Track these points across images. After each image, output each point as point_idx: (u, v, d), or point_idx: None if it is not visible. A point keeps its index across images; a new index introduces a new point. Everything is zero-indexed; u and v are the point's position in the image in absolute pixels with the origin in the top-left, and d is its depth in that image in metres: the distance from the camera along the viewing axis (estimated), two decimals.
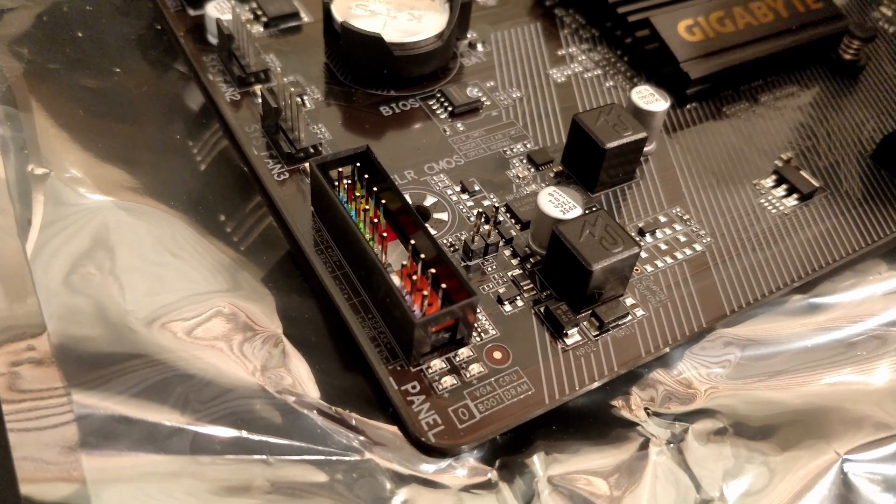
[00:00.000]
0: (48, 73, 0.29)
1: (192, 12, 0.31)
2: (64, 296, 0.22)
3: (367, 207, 0.23)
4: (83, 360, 0.21)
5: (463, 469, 0.21)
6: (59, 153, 0.26)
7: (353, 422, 0.21)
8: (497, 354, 0.22)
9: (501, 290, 0.24)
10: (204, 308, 0.23)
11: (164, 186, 0.26)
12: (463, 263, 0.25)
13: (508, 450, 0.22)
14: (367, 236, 0.23)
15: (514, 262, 0.25)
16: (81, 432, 0.20)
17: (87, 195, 0.25)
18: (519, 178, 0.27)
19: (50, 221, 0.24)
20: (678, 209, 0.27)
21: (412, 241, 0.22)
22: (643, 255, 0.25)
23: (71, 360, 0.21)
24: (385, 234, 0.22)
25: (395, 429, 0.21)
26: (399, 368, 0.22)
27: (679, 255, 0.26)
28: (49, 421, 0.20)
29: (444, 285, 0.21)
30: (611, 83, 0.32)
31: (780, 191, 0.28)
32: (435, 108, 0.29)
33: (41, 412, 0.20)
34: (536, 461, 0.21)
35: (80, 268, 0.23)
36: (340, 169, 0.24)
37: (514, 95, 0.31)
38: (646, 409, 0.23)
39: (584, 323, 0.23)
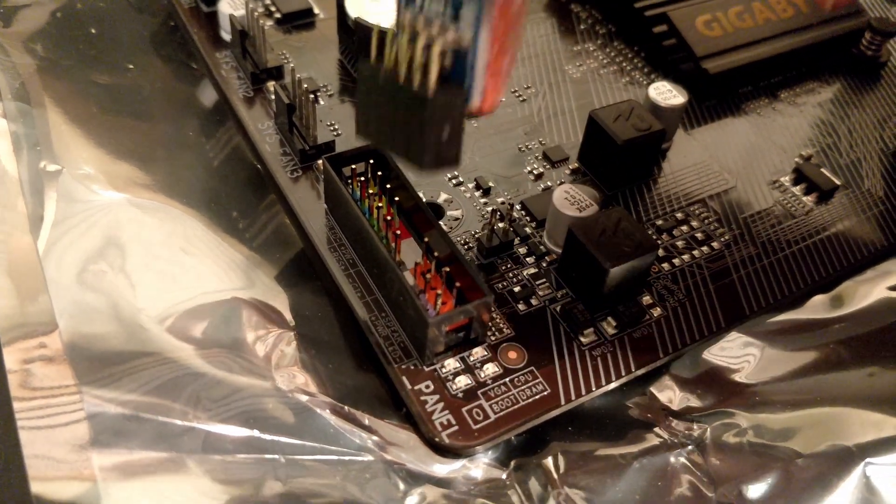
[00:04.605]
0: (62, 69, 0.29)
1: (205, 9, 0.31)
2: (75, 293, 0.22)
3: (380, 205, 0.23)
4: (94, 358, 0.21)
5: (477, 470, 0.21)
6: (72, 150, 0.26)
7: (366, 421, 0.21)
8: (512, 354, 0.22)
9: (516, 289, 0.24)
10: (216, 306, 0.23)
11: (177, 183, 0.26)
12: (477, 262, 0.24)
13: (523, 450, 0.21)
14: (381, 234, 0.22)
15: (530, 260, 0.24)
16: (92, 430, 0.20)
17: (99, 192, 0.25)
18: (534, 175, 0.27)
19: (62, 218, 0.24)
20: (696, 207, 0.27)
21: (426, 239, 0.22)
22: (660, 252, 0.25)
23: (82, 358, 0.21)
24: (398, 232, 0.22)
25: (408, 429, 0.21)
26: (412, 368, 0.21)
27: (697, 254, 0.25)
28: (60, 419, 0.20)
29: (458, 284, 0.21)
30: (627, 79, 0.31)
31: (801, 189, 0.28)
32: None
33: (52, 410, 0.20)
34: (551, 462, 0.21)
35: (92, 265, 0.23)
36: (354, 166, 0.24)
37: (530, 91, 0.30)
38: (663, 409, 0.23)
39: (601, 322, 0.23)
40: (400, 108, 0.19)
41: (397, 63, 0.18)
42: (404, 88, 0.18)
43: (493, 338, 0.22)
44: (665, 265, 0.25)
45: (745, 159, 0.29)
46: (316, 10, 0.32)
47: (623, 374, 0.22)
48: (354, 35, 0.29)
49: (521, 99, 0.30)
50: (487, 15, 0.17)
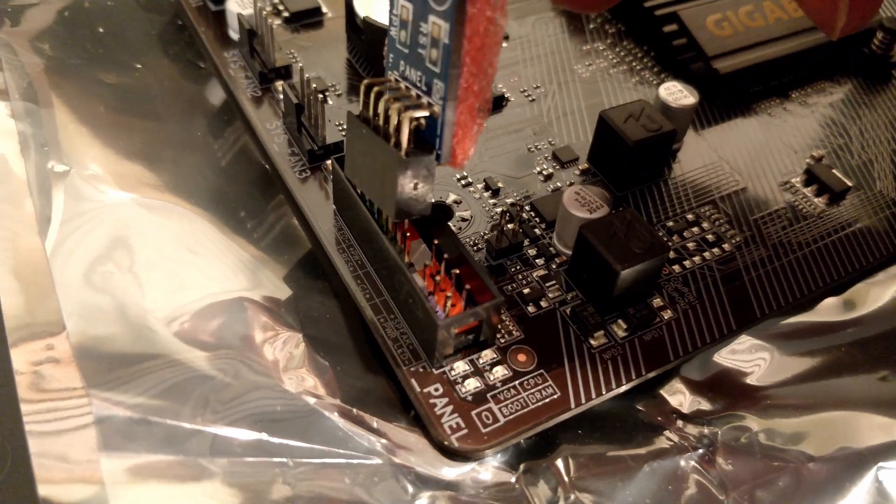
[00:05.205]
0: (69, 68, 0.29)
1: (213, 7, 0.31)
2: (83, 294, 0.22)
3: None
4: (102, 360, 0.21)
5: (486, 473, 0.21)
6: (80, 150, 0.26)
7: (375, 424, 0.21)
8: (521, 357, 0.22)
9: (526, 291, 0.23)
10: (224, 307, 0.23)
11: (185, 183, 0.26)
12: (486, 263, 0.24)
13: (532, 453, 0.21)
14: (390, 235, 0.22)
15: (539, 262, 0.24)
16: (101, 433, 0.20)
17: (107, 192, 0.25)
18: (543, 175, 0.27)
19: (70, 219, 0.24)
20: (707, 208, 0.27)
21: (435, 241, 0.22)
22: (671, 254, 0.25)
23: (90, 360, 0.21)
24: (408, 233, 0.22)
25: (417, 432, 0.21)
26: (421, 370, 0.21)
27: (708, 256, 0.25)
28: (68, 422, 0.20)
29: (467, 286, 0.21)
30: (637, 79, 0.31)
31: (812, 190, 0.28)
32: None
33: (61, 413, 0.20)
34: (560, 465, 0.21)
35: (100, 266, 0.23)
36: None
37: (539, 91, 0.30)
38: (673, 413, 0.22)
39: (611, 325, 0.23)
40: (378, 159, 0.20)
41: (379, 118, 0.20)
42: (382, 143, 0.20)
43: (502, 340, 0.22)
44: (676, 267, 0.25)
45: (755, 160, 0.29)
46: (324, 9, 0.32)
47: (633, 377, 0.22)
48: (363, 34, 0.29)
49: (530, 99, 0.30)
50: (453, 92, 0.19)
